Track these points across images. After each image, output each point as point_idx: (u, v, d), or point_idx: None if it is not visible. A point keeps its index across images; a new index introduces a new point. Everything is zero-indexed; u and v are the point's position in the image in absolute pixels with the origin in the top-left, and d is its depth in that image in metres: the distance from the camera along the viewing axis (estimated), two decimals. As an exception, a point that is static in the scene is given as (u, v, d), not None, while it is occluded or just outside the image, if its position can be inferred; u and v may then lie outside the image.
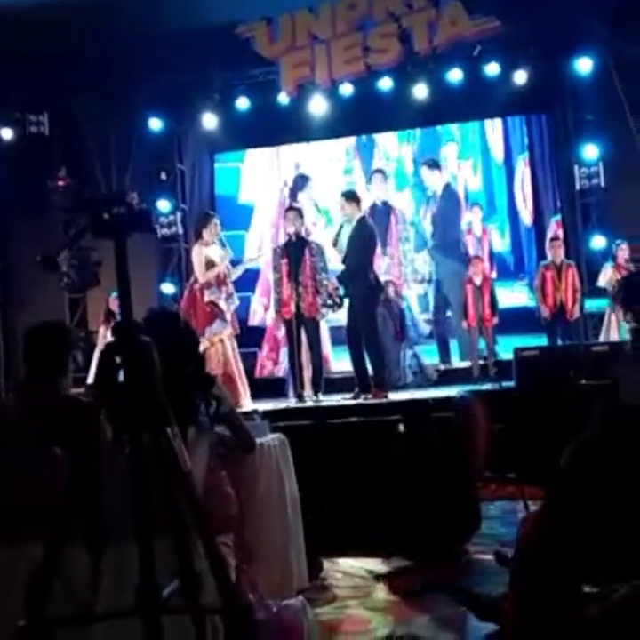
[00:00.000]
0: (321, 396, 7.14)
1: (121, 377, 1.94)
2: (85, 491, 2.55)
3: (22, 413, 2.97)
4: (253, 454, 3.42)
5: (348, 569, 4.38)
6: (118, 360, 1.96)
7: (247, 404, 6.76)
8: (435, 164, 9.35)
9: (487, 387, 7.26)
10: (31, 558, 2.72)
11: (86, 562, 2.80)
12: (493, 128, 10.32)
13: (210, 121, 9.65)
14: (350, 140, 10.51)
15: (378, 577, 4.23)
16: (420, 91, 9.08)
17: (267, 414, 4.80)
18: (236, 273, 7.34)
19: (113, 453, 2.04)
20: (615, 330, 8.12)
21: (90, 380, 8.44)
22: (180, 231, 9.72)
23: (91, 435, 2.84)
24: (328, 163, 10.48)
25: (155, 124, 9.71)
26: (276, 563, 3.47)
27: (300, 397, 7.05)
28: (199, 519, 2.03)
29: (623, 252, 8.20)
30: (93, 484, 2.65)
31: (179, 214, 9.77)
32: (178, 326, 3.32)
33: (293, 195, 10.09)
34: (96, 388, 2.02)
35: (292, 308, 6.94)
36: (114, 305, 8.92)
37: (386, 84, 9.11)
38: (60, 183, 9.57)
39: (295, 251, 7.00)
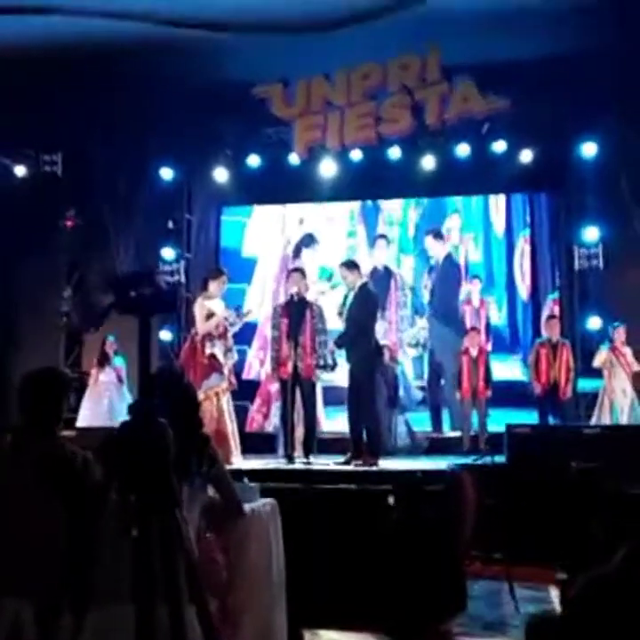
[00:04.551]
0: (311, 458, 7.09)
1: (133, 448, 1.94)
2: (77, 546, 2.52)
3: (17, 460, 2.95)
4: (244, 520, 3.38)
5: (329, 642, 4.31)
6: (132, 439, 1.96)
7: (237, 460, 6.71)
8: (439, 235, 9.44)
9: (479, 461, 7.22)
10: (15, 612, 2.68)
11: (68, 623, 2.75)
12: (496, 203, 10.50)
13: (220, 175, 9.80)
14: (355, 204, 10.63)
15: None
16: (428, 162, 9.28)
17: (256, 474, 4.76)
18: (234, 328, 7.37)
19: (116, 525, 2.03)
20: (607, 411, 8.15)
21: (79, 423, 8.42)
22: (183, 280, 9.77)
23: (84, 485, 2.83)
24: (332, 224, 10.61)
25: (166, 173, 9.82)
26: (260, 633, 3.39)
27: (290, 459, 6.99)
28: (196, 589, 2.02)
29: (620, 334, 8.28)
30: (85, 540, 2.64)
31: (182, 263, 9.83)
32: (181, 384, 3.33)
33: (297, 251, 10.18)
34: (109, 466, 2.02)
35: (290, 367, 6.94)
36: (109, 348, 8.98)
37: (395, 153, 9.29)
38: (69, 223, 9.67)
39: (297, 311, 7.05)
